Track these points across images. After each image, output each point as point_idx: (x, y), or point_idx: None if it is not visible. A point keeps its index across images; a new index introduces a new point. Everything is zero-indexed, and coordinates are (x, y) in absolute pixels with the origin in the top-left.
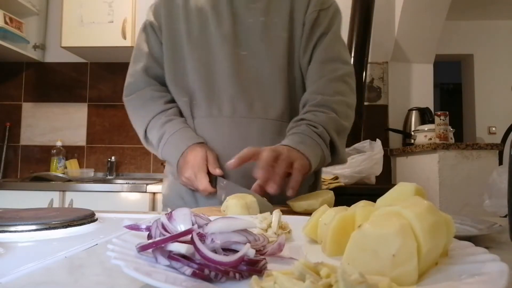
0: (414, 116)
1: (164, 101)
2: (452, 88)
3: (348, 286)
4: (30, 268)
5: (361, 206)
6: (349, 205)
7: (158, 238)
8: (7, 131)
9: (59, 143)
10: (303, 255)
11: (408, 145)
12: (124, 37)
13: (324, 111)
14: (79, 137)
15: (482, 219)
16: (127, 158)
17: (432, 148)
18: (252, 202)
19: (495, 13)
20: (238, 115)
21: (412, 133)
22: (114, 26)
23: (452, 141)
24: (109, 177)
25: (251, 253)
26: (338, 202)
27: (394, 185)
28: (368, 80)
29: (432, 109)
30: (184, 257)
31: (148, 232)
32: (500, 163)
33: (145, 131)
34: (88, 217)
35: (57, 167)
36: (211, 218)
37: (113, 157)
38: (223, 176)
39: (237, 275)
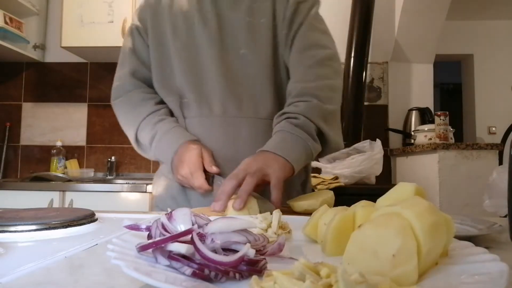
0: (414, 116)
1: (154, 102)
2: (452, 88)
3: (348, 286)
4: (30, 268)
5: (361, 206)
6: (349, 205)
7: (158, 238)
8: (7, 131)
9: (59, 143)
10: (303, 255)
11: (408, 145)
12: None
13: (305, 100)
14: (79, 137)
15: (482, 219)
16: (127, 158)
17: (432, 148)
18: (252, 202)
19: (495, 13)
20: (229, 115)
21: (412, 133)
22: (114, 26)
23: (452, 141)
24: (109, 177)
25: (251, 253)
26: (338, 202)
27: (394, 185)
28: (368, 80)
29: (432, 109)
30: (184, 257)
31: (148, 232)
32: (500, 163)
33: (136, 133)
34: (88, 217)
35: (57, 167)
36: (211, 218)
37: (113, 157)
38: (219, 174)
39: (237, 275)
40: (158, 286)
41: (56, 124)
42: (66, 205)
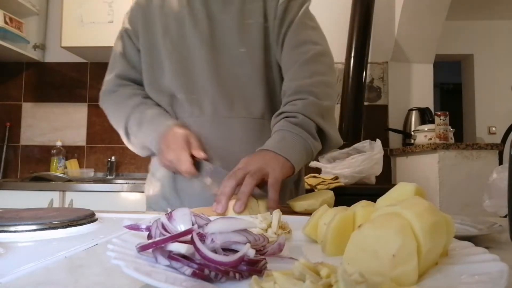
0: (414, 116)
1: (143, 95)
2: (452, 88)
3: (348, 286)
4: (30, 268)
5: (361, 206)
6: (349, 205)
7: (158, 238)
8: (7, 131)
9: (59, 143)
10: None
11: (408, 145)
12: None
13: (301, 98)
14: (79, 137)
15: (482, 219)
16: (127, 158)
17: (432, 148)
18: (252, 202)
19: (495, 13)
20: (220, 115)
21: (412, 133)
22: (114, 26)
23: (452, 141)
24: (109, 177)
25: (251, 253)
26: (338, 202)
27: (394, 185)
28: (368, 80)
29: (432, 109)
30: (184, 257)
31: (148, 232)
32: (500, 163)
33: (126, 126)
34: (88, 217)
35: (57, 167)
36: (211, 218)
37: (113, 157)
38: (207, 160)
39: (237, 275)
40: (158, 286)
41: (56, 124)
42: (66, 205)
